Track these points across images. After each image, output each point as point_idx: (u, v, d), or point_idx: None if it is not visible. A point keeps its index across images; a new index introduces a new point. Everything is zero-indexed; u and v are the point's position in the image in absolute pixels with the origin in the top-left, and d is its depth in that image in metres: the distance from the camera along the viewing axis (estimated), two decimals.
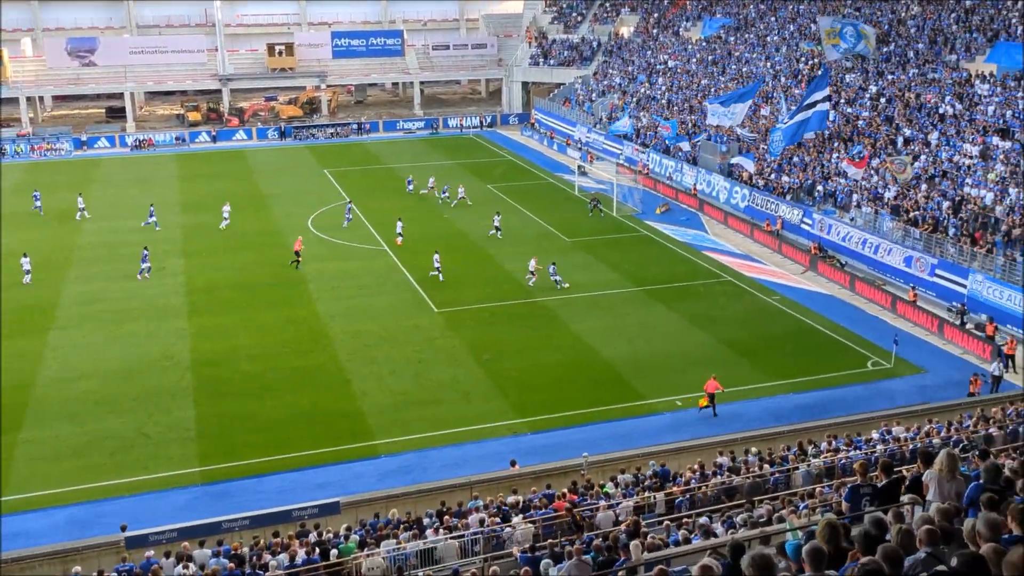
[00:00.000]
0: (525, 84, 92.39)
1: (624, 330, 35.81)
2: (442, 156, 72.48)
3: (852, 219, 44.29)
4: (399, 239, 47.40)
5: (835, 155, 49.39)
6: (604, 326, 36.24)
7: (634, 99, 73.38)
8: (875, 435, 23.84)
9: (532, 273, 40.93)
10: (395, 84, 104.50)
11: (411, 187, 58.34)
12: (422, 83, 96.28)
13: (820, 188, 47.72)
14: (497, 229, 48.47)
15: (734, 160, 54.08)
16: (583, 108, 77.89)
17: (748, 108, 55.63)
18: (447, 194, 56.00)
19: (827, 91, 49.42)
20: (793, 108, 53.73)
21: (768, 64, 65.68)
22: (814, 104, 48.94)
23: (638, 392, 30.53)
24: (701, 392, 29.52)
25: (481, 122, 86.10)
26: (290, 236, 48.75)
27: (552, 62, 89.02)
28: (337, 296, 39.91)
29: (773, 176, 51.54)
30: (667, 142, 61.00)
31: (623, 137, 67.69)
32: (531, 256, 42.95)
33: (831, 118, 51.80)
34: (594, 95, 79.69)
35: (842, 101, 54.75)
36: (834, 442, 23.51)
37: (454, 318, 37.32)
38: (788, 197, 49.08)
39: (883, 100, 52.52)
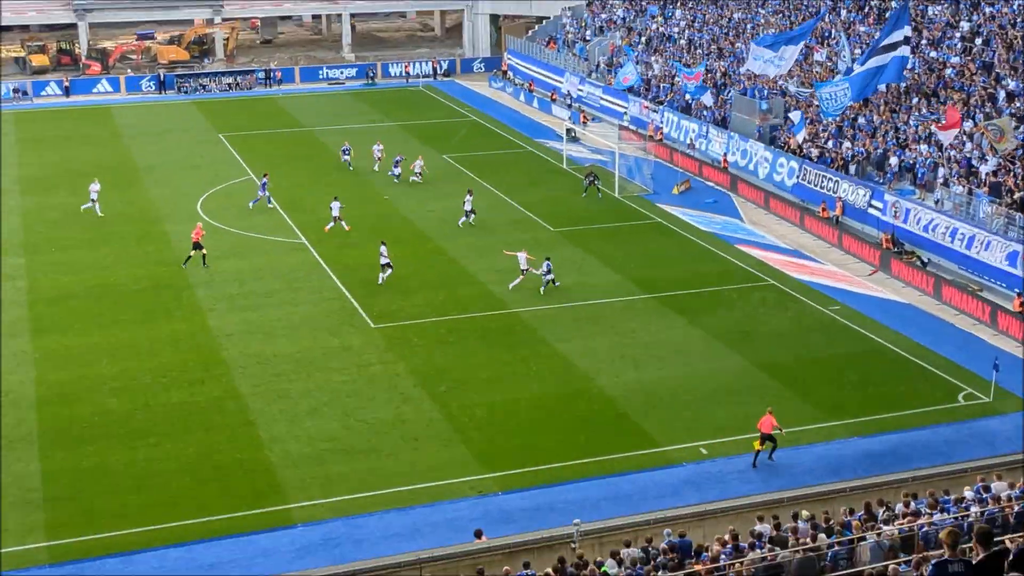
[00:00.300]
0: (495, 18, 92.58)
1: (629, 352, 35.85)
2: (380, 115, 72.46)
3: (938, 201, 44.68)
4: (333, 224, 47.63)
5: (914, 115, 49.84)
6: (602, 346, 36.25)
7: (643, 39, 73.72)
8: (968, 493, 24.02)
9: (523, 272, 41.02)
10: (316, 18, 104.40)
11: (348, 158, 58.19)
12: (353, 16, 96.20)
13: (894, 160, 48.15)
14: (469, 214, 48.53)
15: (778, 122, 54.53)
16: (574, 51, 78.17)
17: (799, 52, 56.02)
18: (399, 168, 55.95)
19: (907, 30, 49.90)
20: (860, 53, 54.13)
21: None
22: (891, 47, 49.41)
23: (648, 436, 30.58)
24: (747, 433, 29.57)
25: (435, 69, 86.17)
26: (174, 224, 48.50)
27: None
28: (236, 306, 39.77)
29: (831, 144, 51.95)
30: (688, 97, 61.28)
31: (628, 91, 67.99)
32: (512, 248, 42.98)
33: (910, 65, 52.28)
34: (589, 33, 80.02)
35: (923, 42, 55.25)
36: (913, 503, 23.65)
37: (398, 335, 37.23)
38: (852, 172, 49.46)
39: (979, 41, 53.06)
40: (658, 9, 76.51)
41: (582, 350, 36.02)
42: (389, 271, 41.76)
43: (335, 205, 48.29)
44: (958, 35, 54.43)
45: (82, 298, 40.45)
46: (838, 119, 52.53)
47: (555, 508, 26.85)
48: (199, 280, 42.08)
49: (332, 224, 47.65)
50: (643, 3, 79.09)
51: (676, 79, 64.18)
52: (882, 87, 52.15)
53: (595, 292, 41.23)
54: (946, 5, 57.50)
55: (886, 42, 49.50)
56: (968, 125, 47.13)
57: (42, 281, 42.17)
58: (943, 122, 46.22)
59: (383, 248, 42.09)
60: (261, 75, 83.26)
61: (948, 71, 51.96)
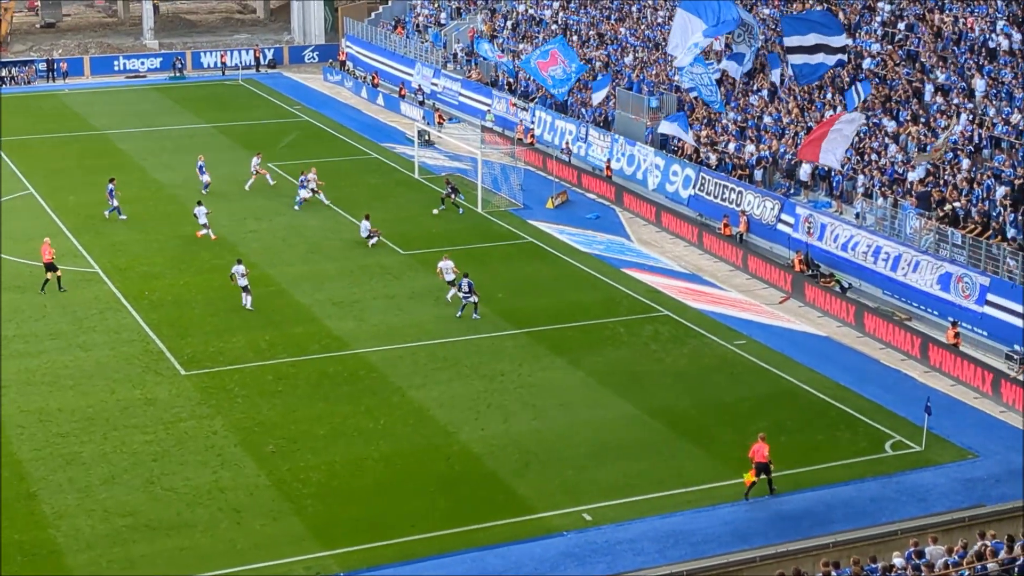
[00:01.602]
0: None
1: (498, 399, 35.86)
2: (189, 115, 71.68)
3: (858, 215, 45.67)
4: (203, 232, 49.26)
5: (829, 112, 50.97)
6: (465, 393, 36.17)
7: (508, 23, 74.28)
8: (898, 560, 24.45)
9: (451, 282, 42.79)
10: None
11: (206, 178, 56.00)
12: None
13: (806, 167, 49.11)
14: (373, 236, 49.11)
15: (664, 128, 54.91)
16: (426, 37, 78.37)
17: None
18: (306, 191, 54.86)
19: (842, 37, 50.80)
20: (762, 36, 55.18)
21: None
22: (818, 49, 50.30)
23: (522, 500, 30.58)
24: (639, 494, 29.72)
25: (258, 59, 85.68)
26: None
27: None
28: (12, 352, 38.93)
29: (732, 148, 52.81)
30: (554, 91, 60.62)
31: (490, 84, 68.36)
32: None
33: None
34: (444, 16, 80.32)
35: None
36: (835, 573, 24.01)
37: (214, 384, 36.77)
38: (758, 181, 50.31)
39: (902, 26, 54.55)
40: None
41: (440, 398, 35.90)
42: (250, 296, 42.30)
43: (200, 211, 49.42)
44: (878, 20, 55.88)
45: None
46: (720, 112, 53.48)
47: None
48: None
49: (204, 232, 49.21)
50: None
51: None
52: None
53: (456, 328, 41.20)
54: None
55: (803, 42, 50.26)
56: (892, 125, 48.34)
57: None
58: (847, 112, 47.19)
59: (239, 267, 42.15)
60: (42, 66, 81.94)
61: (867, 60, 53.28)
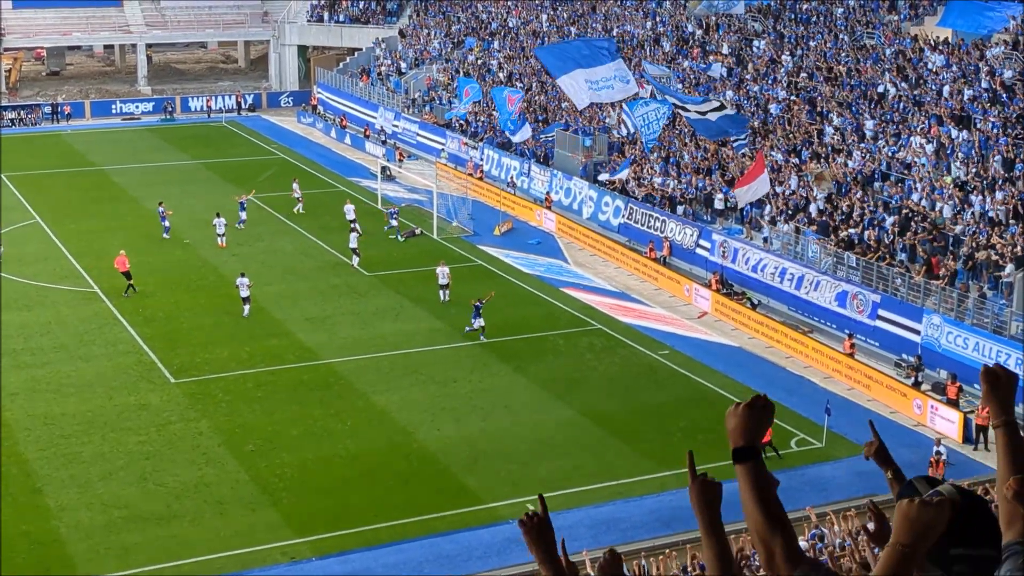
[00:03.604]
0: (303, 49, 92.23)
1: (451, 403, 35.88)
2: (179, 153, 71.35)
3: (766, 240, 46.01)
4: (222, 240, 50.18)
5: (733, 148, 51.27)
6: (422, 398, 36.22)
7: (461, 71, 74.38)
8: (803, 542, 24.63)
9: (444, 286, 43.60)
10: (109, 48, 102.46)
11: (167, 223, 55.21)
12: (150, 47, 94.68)
13: (720, 197, 49.43)
14: (352, 255, 49.45)
15: (603, 159, 55.01)
16: (389, 84, 78.37)
17: (618, 80, 55.33)
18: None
19: (709, 100, 50.12)
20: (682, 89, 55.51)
21: (647, 22, 67.88)
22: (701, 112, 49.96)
23: (472, 492, 30.61)
24: (575, 486, 29.81)
25: (239, 104, 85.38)
26: None
27: (342, 17, 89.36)
28: (20, 363, 38.62)
29: (658, 182, 53.07)
30: (507, 131, 60.71)
31: (443, 126, 68.45)
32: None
33: (734, 99, 53.74)
34: (404, 65, 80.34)
35: (748, 78, 57.05)
36: (747, 554, 24.12)
37: (200, 391, 36.61)
38: (679, 211, 50.59)
39: (803, 75, 55.06)
40: (476, 41, 77.32)
41: (400, 402, 35.93)
42: (248, 306, 42.66)
43: (219, 222, 50.43)
44: (783, 70, 56.37)
45: None
46: (657, 155, 53.69)
47: (373, 572, 26.73)
48: None
49: (222, 241, 50.45)
50: (459, 34, 79.83)
51: (494, 112, 64.45)
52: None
53: (414, 339, 41.20)
54: (770, 39, 59.53)
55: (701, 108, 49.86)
56: (795, 161, 48.74)
57: None
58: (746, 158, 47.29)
59: (243, 279, 42.47)
60: (47, 110, 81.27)
61: (773, 106, 53.73)
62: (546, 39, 72.39)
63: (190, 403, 35.87)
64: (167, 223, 52.01)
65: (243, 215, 53.66)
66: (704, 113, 48.21)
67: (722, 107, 48.80)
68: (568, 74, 48.93)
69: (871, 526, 5.05)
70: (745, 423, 3.80)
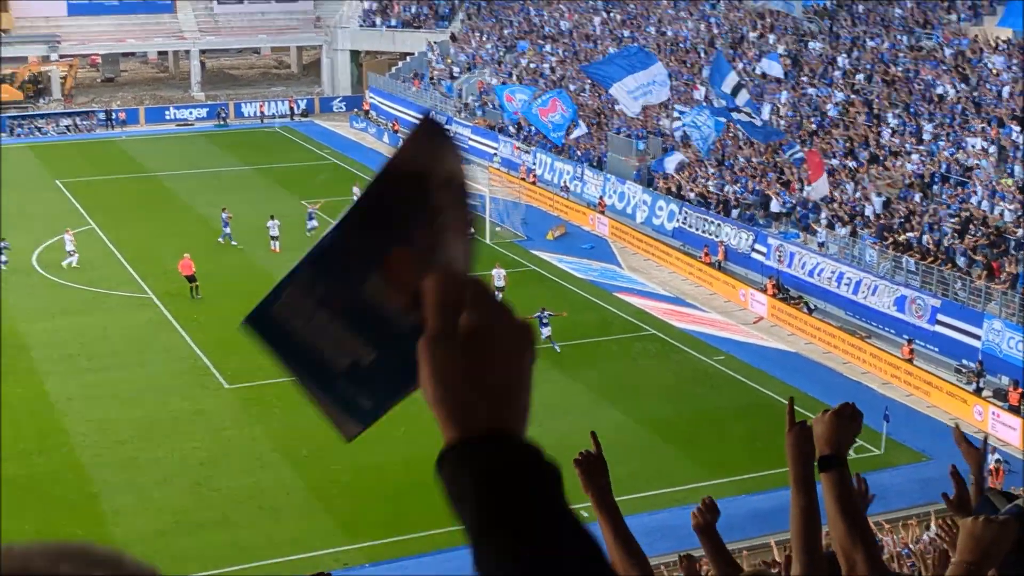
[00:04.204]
0: (356, 54, 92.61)
1: None
2: (232, 159, 71.79)
3: (822, 245, 45.68)
4: (275, 245, 50.44)
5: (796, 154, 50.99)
6: None
7: (514, 76, 74.43)
8: None
9: (500, 288, 43.16)
10: (163, 54, 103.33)
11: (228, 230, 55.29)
12: (203, 52, 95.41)
13: (776, 202, 49.16)
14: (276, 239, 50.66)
15: (668, 162, 54.58)
16: (440, 88, 78.54)
17: (655, 85, 54.98)
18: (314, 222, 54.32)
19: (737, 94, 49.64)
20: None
21: (705, 26, 67.64)
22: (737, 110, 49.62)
23: None
24: (629, 493, 29.73)
25: (292, 109, 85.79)
26: (4, 276, 47.42)
27: (394, 22, 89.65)
28: (76, 369, 38.98)
29: (711, 185, 52.85)
30: (552, 136, 60.06)
31: (494, 128, 68.50)
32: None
33: (788, 101, 53.42)
34: (456, 70, 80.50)
35: (803, 80, 56.68)
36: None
37: (255, 397, 36.79)
38: (735, 215, 50.35)
39: (859, 77, 54.65)
40: (528, 44, 77.34)
41: None
42: None
43: (272, 224, 50.43)
44: (839, 72, 55.96)
45: None
46: (710, 158, 53.43)
47: None
48: (32, 341, 41.15)
49: (276, 245, 50.72)
50: (512, 38, 79.87)
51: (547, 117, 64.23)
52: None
53: None
54: (825, 40, 59.13)
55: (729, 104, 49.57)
56: (852, 164, 48.38)
57: None
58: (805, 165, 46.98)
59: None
60: (102, 116, 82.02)
61: (830, 107, 53.34)
62: (599, 43, 72.30)
63: (244, 409, 36.06)
64: (228, 228, 52.28)
65: (313, 223, 53.32)
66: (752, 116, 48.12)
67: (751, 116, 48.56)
68: (617, 83, 49.02)
69: (951, 494, 4.98)
70: (832, 431, 3.77)
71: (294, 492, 30.90)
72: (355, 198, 1.98)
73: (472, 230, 1.97)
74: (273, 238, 51.15)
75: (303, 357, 1.96)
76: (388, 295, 1.90)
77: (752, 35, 64.18)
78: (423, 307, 1.81)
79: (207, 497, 30.58)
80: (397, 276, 1.88)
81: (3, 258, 48.87)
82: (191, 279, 45.55)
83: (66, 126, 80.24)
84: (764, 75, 58.09)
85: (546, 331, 40.72)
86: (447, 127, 1.94)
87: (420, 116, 1.94)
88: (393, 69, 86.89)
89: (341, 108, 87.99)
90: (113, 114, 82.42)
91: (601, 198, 58.07)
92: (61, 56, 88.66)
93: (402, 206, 1.91)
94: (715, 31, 67.02)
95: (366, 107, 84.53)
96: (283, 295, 1.95)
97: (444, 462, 1.84)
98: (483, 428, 1.78)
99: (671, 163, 54.09)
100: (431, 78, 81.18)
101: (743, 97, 48.42)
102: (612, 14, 75.56)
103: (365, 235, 1.91)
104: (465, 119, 72.98)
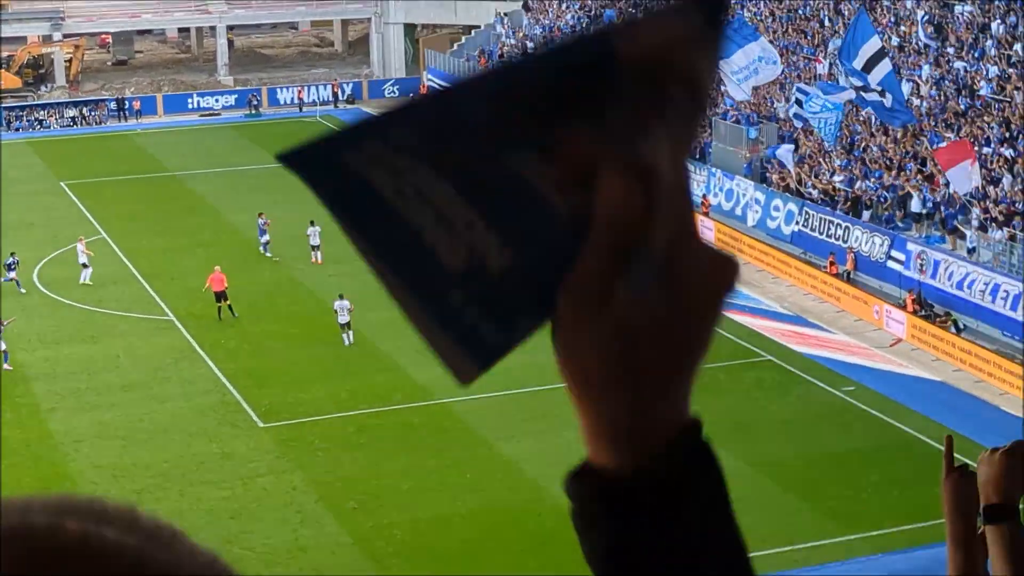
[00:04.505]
0: (411, 29, 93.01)
1: None
2: (266, 155, 72.16)
3: (972, 251, 45.19)
4: (316, 256, 50.70)
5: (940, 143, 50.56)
6: (556, 445, 36.05)
7: None
8: None
9: None
10: (184, 32, 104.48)
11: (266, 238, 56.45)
12: (231, 29, 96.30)
13: (917, 200, 48.70)
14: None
15: (786, 152, 54.37)
16: None
17: (763, 62, 54.84)
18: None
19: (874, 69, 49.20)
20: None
21: None
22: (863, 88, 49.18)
23: None
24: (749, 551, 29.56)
25: (336, 95, 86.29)
26: (3, 300, 48.10)
27: None
28: (85, 404, 39.44)
29: (838, 180, 52.48)
30: None
31: None
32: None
33: (931, 78, 52.94)
34: (530, 45, 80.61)
35: (950, 52, 56.15)
36: None
37: (293, 437, 37.01)
38: (866, 216, 49.95)
39: (1017, 48, 54.03)
40: (616, 14, 77.30)
41: (531, 451, 35.84)
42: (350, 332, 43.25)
43: (314, 231, 50.63)
44: (990, 39, 55.38)
45: None
46: (836, 147, 53.05)
47: None
48: (34, 372, 41.63)
49: (317, 256, 51.03)
50: (597, 7, 79.88)
51: None
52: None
53: (545, 375, 41.06)
54: (975, 3, 58.52)
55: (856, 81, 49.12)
56: (1009, 153, 47.83)
57: None
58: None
59: (343, 303, 43.24)
60: (114, 105, 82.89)
61: (982, 85, 52.79)
62: None
63: (281, 451, 36.20)
64: (267, 237, 52.56)
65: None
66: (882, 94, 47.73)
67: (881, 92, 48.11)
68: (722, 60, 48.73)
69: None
70: (1003, 474, 3.69)
71: (340, 550, 30.95)
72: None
73: (696, 142, 1.53)
74: (314, 247, 51.41)
75: (391, 236, 1.46)
76: (549, 171, 1.42)
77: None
78: (594, 217, 1.37)
79: (240, 557, 30.66)
80: (569, 155, 1.41)
81: (12, 274, 49.41)
82: (221, 296, 45.91)
83: (71, 118, 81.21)
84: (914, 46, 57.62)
85: None
86: (728, 14, 1.51)
87: None
88: (455, 46, 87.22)
89: (394, 93, 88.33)
90: (126, 103, 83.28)
91: (704, 197, 57.86)
92: (65, 36, 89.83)
93: (612, 87, 1.44)
94: None
95: (423, 91, 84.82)
96: (365, 142, 1.43)
97: (585, 483, 1.41)
98: (654, 448, 1.42)
99: (789, 154, 53.78)
100: (501, 55, 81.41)
101: (882, 70, 47.97)
102: None
103: (533, 103, 1.44)
104: None
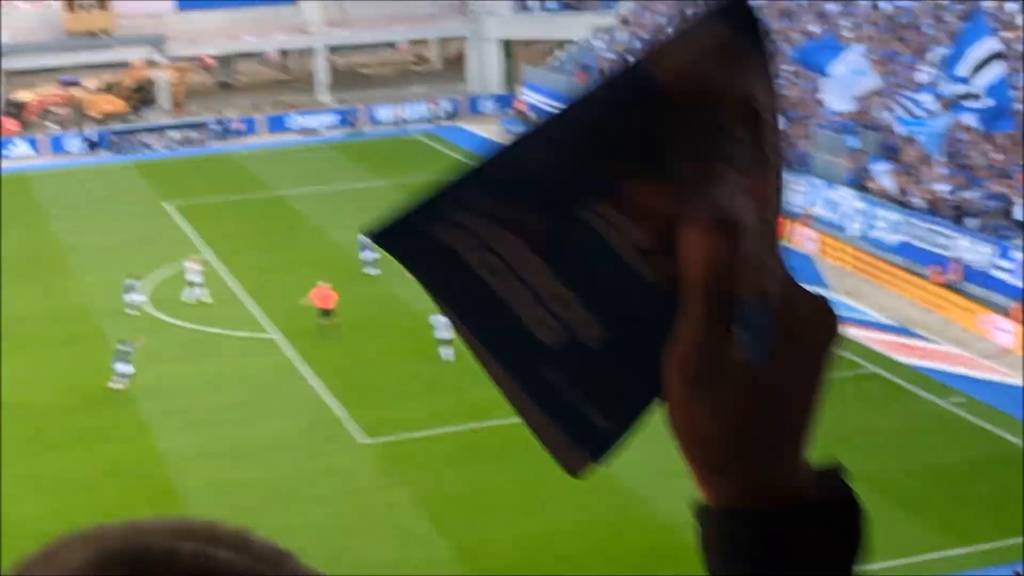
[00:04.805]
0: (507, 45, 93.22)
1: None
2: (367, 173, 72.67)
3: None
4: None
5: None
6: (660, 458, 35.59)
7: None
8: None
9: None
10: (284, 52, 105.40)
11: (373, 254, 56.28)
12: (331, 48, 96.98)
13: (1020, 207, 48.03)
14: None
15: (876, 168, 54.06)
16: None
17: (856, 74, 54.50)
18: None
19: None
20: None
21: None
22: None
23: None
24: None
25: (434, 112, 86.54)
26: (110, 321, 48.60)
27: (552, 4, 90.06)
28: (192, 423, 39.80)
29: (943, 189, 51.88)
30: None
31: None
32: None
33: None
34: (629, 58, 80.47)
35: None
36: None
37: (397, 453, 37.17)
38: (971, 224, 49.32)
39: None
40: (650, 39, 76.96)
41: (634, 463, 35.61)
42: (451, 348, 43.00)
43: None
44: None
45: None
46: (940, 154, 52.48)
47: None
48: (139, 392, 42.05)
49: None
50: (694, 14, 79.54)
51: None
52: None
53: None
54: None
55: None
56: None
57: None
58: None
59: (441, 317, 42.58)
60: (217, 127, 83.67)
61: None
62: (797, 20, 71.64)
63: (385, 468, 36.36)
64: (371, 254, 52.59)
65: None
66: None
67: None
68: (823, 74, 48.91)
69: None
70: None
71: (445, 566, 31.00)
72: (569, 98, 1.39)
73: (782, 176, 1.49)
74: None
75: (479, 306, 1.42)
76: (628, 234, 1.34)
77: (987, 3, 62.82)
78: (682, 281, 1.29)
79: (345, 575, 30.81)
80: (642, 206, 1.34)
81: (138, 297, 49.68)
82: (327, 313, 46.13)
83: (175, 140, 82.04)
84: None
85: None
86: (759, 19, 1.43)
87: (725, 3, 1.44)
88: (552, 58, 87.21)
89: (491, 108, 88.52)
90: (229, 124, 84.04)
91: (805, 208, 57.42)
92: (169, 59, 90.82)
93: (665, 121, 1.38)
94: (944, 1, 65.83)
95: (520, 106, 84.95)
96: (447, 211, 1.42)
97: (709, 517, 1.36)
98: (764, 492, 1.34)
99: (887, 172, 53.23)
100: (599, 69, 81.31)
101: (990, 74, 47.47)
102: None
103: (591, 149, 1.37)
104: None
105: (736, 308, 1.27)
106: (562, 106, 1.38)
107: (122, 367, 41.95)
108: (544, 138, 1.39)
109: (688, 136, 1.36)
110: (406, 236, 1.41)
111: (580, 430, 1.41)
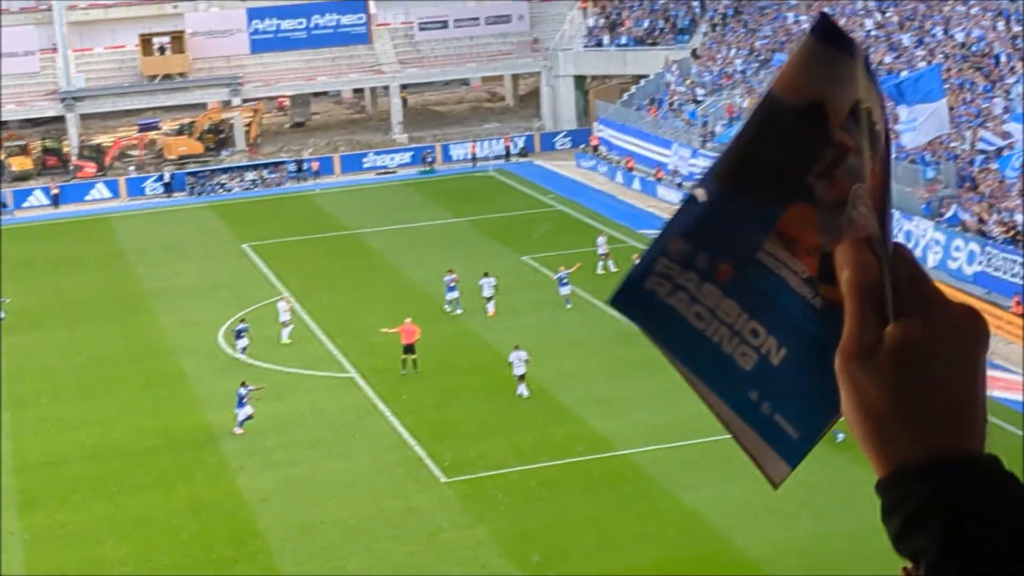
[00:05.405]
0: (580, 80, 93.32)
1: (777, 502, 35.09)
2: (441, 210, 72.81)
3: None
4: (490, 307, 51.37)
5: None
6: (741, 495, 35.57)
7: None
8: None
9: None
10: (358, 92, 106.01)
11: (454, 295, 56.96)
12: (404, 88, 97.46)
13: None
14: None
15: (950, 192, 53.62)
16: (683, 115, 78.52)
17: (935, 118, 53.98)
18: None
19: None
20: None
21: (1004, 24, 66.07)
22: None
23: None
24: None
25: (508, 149, 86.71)
26: (191, 359, 48.94)
27: (624, 40, 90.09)
28: (272, 462, 39.99)
29: (1022, 218, 51.41)
30: None
31: None
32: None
33: None
34: (700, 92, 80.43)
35: None
36: None
37: (476, 492, 37.14)
38: None
39: None
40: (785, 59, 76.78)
41: (714, 500, 35.50)
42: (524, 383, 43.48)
43: (486, 282, 51.87)
44: None
45: (79, 462, 40.78)
46: (1017, 183, 52.00)
47: None
48: (219, 431, 42.26)
49: (491, 307, 51.70)
50: (765, 50, 79.36)
51: None
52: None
53: None
54: None
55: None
56: None
57: (30, 442, 42.60)
58: None
59: (520, 353, 43.46)
60: (293, 167, 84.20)
61: None
62: (871, 50, 71.25)
63: (464, 506, 36.33)
64: (455, 294, 52.57)
65: (565, 289, 53.10)
66: None
67: None
68: (902, 106, 48.36)
69: None
70: None
71: None
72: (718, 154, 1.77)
73: (889, 178, 1.71)
74: (487, 299, 51.79)
75: (695, 348, 1.74)
76: (792, 263, 1.72)
77: None
78: (842, 287, 1.67)
79: None
80: (798, 239, 1.72)
81: (242, 341, 49.86)
82: (409, 349, 46.35)
83: (252, 180, 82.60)
84: None
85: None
86: (847, 35, 1.69)
87: (814, 20, 1.70)
88: (625, 95, 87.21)
89: (565, 144, 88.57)
90: (305, 164, 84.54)
91: None
92: (244, 100, 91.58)
93: (792, 146, 1.70)
94: (1018, 29, 65.32)
95: (595, 142, 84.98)
96: (655, 265, 1.72)
97: (886, 489, 1.74)
98: (926, 458, 1.72)
99: (967, 212, 52.79)
100: (671, 104, 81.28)
101: None
102: (888, 15, 74.41)
103: (749, 187, 1.73)
104: (713, 151, 72.73)
105: (883, 297, 1.64)
106: (734, 138, 1.74)
107: (243, 411, 41.97)
108: (712, 174, 1.76)
109: (810, 152, 1.70)
110: (634, 297, 1.72)
111: (777, 439, 1.78)
